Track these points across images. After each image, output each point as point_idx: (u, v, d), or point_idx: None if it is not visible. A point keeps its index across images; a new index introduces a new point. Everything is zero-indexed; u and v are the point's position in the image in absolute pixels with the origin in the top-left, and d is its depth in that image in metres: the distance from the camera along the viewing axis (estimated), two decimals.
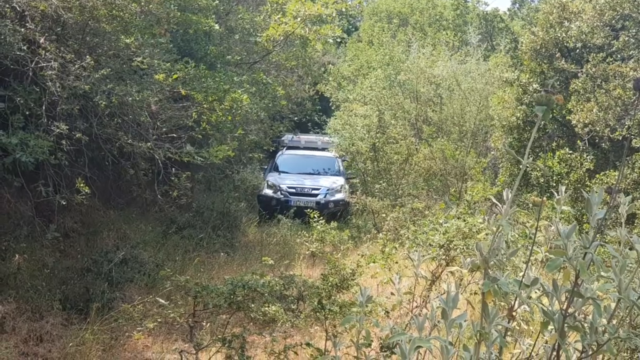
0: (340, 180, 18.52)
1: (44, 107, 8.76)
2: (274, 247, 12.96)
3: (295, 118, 22.17)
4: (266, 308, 7.37)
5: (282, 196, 17.43)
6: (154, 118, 10.59)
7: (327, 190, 17.75)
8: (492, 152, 18.12)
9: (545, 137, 15.21)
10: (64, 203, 9.03)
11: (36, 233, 9.55)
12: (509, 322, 2.26)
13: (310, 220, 13.38)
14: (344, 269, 8.42)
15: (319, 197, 17.58)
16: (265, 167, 19.81)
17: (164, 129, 10.50)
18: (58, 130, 8.59)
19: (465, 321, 2.30)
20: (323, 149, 20.88)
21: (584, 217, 10.14)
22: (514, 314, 2.21)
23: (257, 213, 16.97)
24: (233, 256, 11.94)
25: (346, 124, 19.59)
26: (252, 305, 7.13)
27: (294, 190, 17.65)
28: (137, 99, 9.50)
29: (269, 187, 17.79)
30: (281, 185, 17.68)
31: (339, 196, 17.75)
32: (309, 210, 14.39)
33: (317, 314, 7.36)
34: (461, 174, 16.76)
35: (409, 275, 7.65)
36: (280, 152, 20.45)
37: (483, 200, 12.73)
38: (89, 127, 9.60)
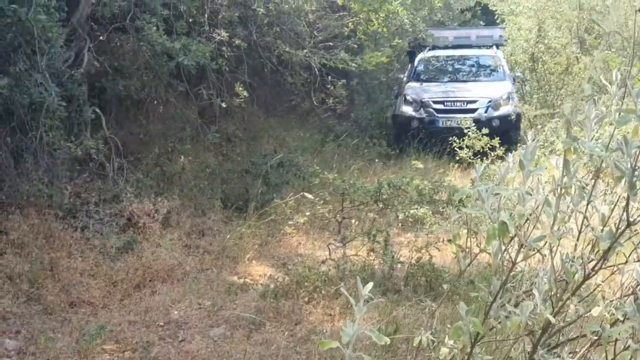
0: (506, 87, 13.78)
1: (206, 15, 9.18)
2: (430, 155, 12.61)
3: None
4: (414, 210, 7.51)
5: (425, 115, 13.15)
6: (311, 27, 10.83)
7: (489, 102, 13.11)
8: None
9: None
10: (224, 106, 9.48)
11: (200, 136, 10.10)
12: (594, 182, 2.29)
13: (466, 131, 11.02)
14: (494, 174, 8.40)
15: (477, 112, 12.91)
16: (400, 75, 15.57)
17: (320, 38, 10.73)
18: (219, 37, 8.99)
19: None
20: (479, 47, 15.56)
21: None
22: (600, 175, 2.25)
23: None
24: (388, 164, 12.07)
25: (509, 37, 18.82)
26: (397, 205, 7.27)
27: (442, 107, 13.20)
28: (294, 5, 9.74)
29: (408, 103, 13.46)
30: (424, 100, 13.26)
31: (505, 109, 13.12)
32: (465, 126, 10.88)
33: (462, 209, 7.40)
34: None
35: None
36: (421, 54, 15.19)
37: None
38: (248, 35, 9.98)
